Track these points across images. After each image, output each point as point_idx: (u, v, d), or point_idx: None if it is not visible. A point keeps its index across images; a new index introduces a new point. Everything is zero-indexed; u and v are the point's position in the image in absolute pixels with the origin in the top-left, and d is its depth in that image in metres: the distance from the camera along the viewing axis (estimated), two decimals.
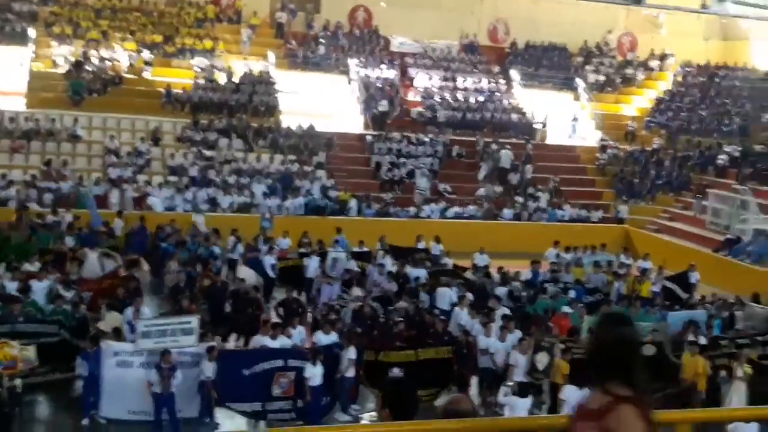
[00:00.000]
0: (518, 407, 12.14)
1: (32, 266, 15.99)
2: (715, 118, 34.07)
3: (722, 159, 30.31)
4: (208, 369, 11.90)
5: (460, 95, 33.25)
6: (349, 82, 32.73)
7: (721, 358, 13.96)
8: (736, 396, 12.94)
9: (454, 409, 4.23)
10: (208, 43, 31.91)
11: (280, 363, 12.28)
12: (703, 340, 14.60)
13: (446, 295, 16.42)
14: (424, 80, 33.79)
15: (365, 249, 19.91)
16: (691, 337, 14.44)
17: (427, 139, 30.22)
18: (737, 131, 32.70)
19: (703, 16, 35.36)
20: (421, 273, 17.90)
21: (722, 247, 25.00)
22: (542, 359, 13.42)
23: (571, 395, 11.97)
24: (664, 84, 37.19)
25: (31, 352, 11.86)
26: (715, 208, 26.99)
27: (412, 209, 26.67)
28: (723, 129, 33.31)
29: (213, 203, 24.52)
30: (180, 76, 30.38)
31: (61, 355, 12.43)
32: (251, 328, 14.50)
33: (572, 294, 17.59)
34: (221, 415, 12.41)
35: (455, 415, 4.12)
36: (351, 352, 12.65)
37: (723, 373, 13.61)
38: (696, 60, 37.81)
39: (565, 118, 33.73)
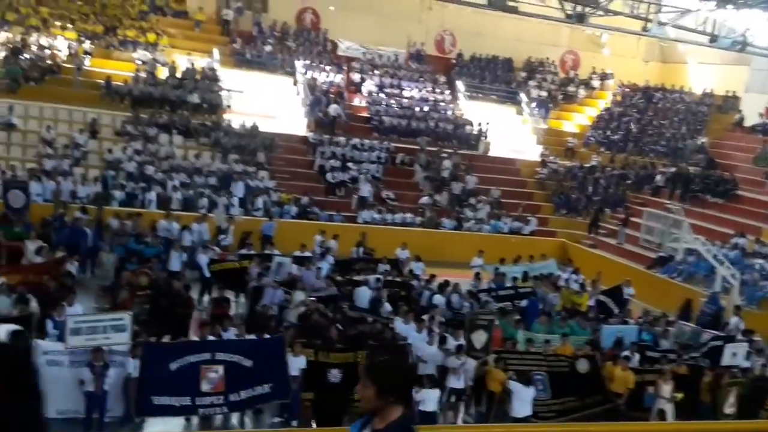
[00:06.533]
0: (429, 399, 12.27)
1: None
2: (652, 138, 34.99)
3: (659, 179, 31.13)
4: (131, 366, 11.59)
5: (405, 103, 33.38)
6: (295, 84, 32.55)
7: (651, 374, 14.25)
8: (666, 414, 13.28)
9: None
10: (151, 36, 31.31)
11: (207, 356, 11.91)
12: (637, 357, 14.90)
13: (365, 294, 16.73)
14: (370, 86, 33.82)
15: (306, 253, 19.74)
16: (626, 353, 14.70)
17: (372, 145, 30.26)
18: (672, 152, 33.65)
19: (644, 38, 36.27)
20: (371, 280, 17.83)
21: (654, 265, 25.66)
22: (480, 337, 13.53)
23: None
24: (603, 102, 38.03)
25: None
26: (649, 226, 27.67)
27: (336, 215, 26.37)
28: (658, 149, 34.23)
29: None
30: (121, 69, 29.72)
31: None
32: (179, 327, 14.32)
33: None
34: (155, 417, 12.07)
35: None
36: (302, 361, 12.48)
37: (650, 389, 13.89)
38: (635, 80, 38.80)
39: (508, 131, 34.25)
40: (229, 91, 30.10)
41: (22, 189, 20.18)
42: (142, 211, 22.43)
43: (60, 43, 29.16)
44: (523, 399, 12.72)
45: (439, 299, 17.39)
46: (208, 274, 18.07)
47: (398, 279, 18.77)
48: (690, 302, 20.10)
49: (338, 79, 33.25)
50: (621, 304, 19.54)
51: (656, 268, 25.43)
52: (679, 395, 13.63)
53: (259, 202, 25.07)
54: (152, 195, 23.88)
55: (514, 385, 12.82)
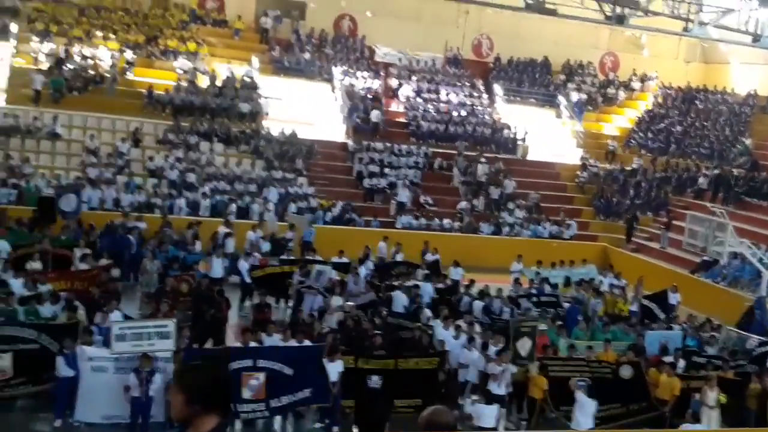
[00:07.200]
0: (485, 415, 12.13)
1: (35, 264, 15.84)
2: (694, 140, 34.44)
3: (702, 181, 30.58)
4: (171, 371, 11.70)
5: (442, 108, 33.34)
6: (333, 90, 32.70)
7: (697, 380, 13.99)
8: (711, 421, 13.02)
9: (436, 421, 4.15)
10: (191, 45, 31.73)
11: (248, 363, 11.94)
12: (681, 363, 14.65)
13: (401, 299, 16.79)
14: (408, 91, 33.84)
15: (345, 259, 19.79)
16: (669, 359, 14.47)
17: (410, 150, 30.26)
18: (715, 154, 33.07)
19: (685, 39, 35.77)
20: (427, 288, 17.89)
21: (698, 269, 25.22)
22: (524, 345, 13.43)
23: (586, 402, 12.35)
24: (644, 104, 37.55)
25: (6, 360, 11.51)
26: (692, 230, 27.22)
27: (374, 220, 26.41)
28: (701, 151, 33.67)
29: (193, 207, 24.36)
30: (162, 78, 30.16)
31: (38, 365, 11.95)
32: (215, 331, 14.57)
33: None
34: None
35: (437, 428, 4.05)
36: (339, 365, 12.49)
37: (696, 395, 13.63)
38: (677, 82, 38.27)
39: (546, 135, 33.99)
40: (267, 98, 30.36)
41: (76, 193, 20.60)
42: (202, 219, 22.78)
43: (102, 53, 29.69)
44: (587, 412, 12.44)
45: (477, 305, 17.32)
46: (249, 280, 18.23)
47: (440, 285, 18.73)
48: (752, 309, 19.63)
49: (376, 85, 33.35)
50: (667, 309, 19.25)
51: (700, 273, 24.99)
52: (723, 397, 13.38)
53: (293, 207, 25.21)
54: (182, 201, 24.22)
55: (580, 396, 12.56)
